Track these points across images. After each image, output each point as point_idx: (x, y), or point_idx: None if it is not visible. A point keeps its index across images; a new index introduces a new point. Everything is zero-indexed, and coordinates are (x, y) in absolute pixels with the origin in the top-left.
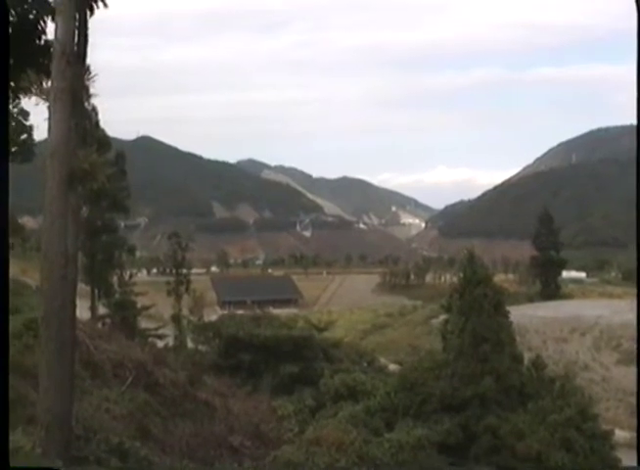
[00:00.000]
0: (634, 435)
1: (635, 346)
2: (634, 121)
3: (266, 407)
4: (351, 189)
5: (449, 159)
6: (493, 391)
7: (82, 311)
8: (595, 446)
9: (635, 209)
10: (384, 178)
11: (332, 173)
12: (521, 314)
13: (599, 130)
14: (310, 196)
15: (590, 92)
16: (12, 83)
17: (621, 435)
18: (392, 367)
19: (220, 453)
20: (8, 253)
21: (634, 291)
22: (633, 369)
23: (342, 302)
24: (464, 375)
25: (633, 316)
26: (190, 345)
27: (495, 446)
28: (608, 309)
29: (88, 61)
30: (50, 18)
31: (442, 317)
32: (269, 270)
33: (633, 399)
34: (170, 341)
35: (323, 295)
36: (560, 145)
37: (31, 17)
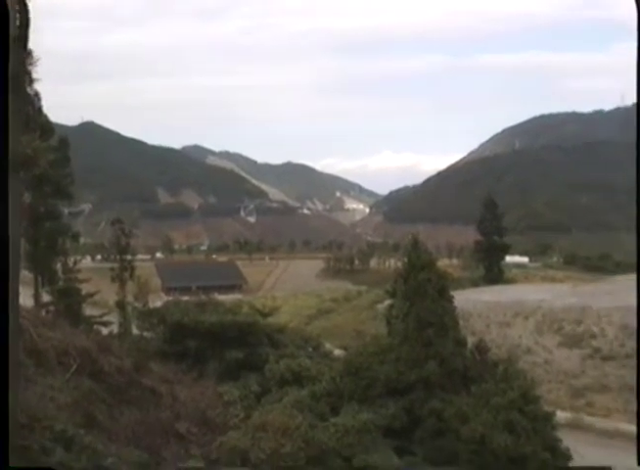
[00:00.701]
0: (575, 415)
1: (577, 328)
2: (577, 108)
3: (212, 393)
4: (295, 175)
5: (394, 144)
6: (437, 375)
7: (25, 299)
8: (537, 428)
9: (635, 206)
10: (328, 163)
11: (276, 159)
12: (465, 299)
13: (542, 117)
14: (255, 182)
15: (534, 79)
16: None
17: (563, 416)
18: (337, 352)
19: (167, 440)
20: (8, 252)
21: (576, 275)
22: (574, 352)
23: (287, 287)
24: (408, 359)
25: (575, 300)
26: (135, 331)
27: (440, 429)
28: (550, 293)
29: (30, 45)
30: None
31: (387, 302)
32: (214, 256)
33: (574, 381)
34: (115, 328)
35: (267, 280)
36: (504, 131)
37: None
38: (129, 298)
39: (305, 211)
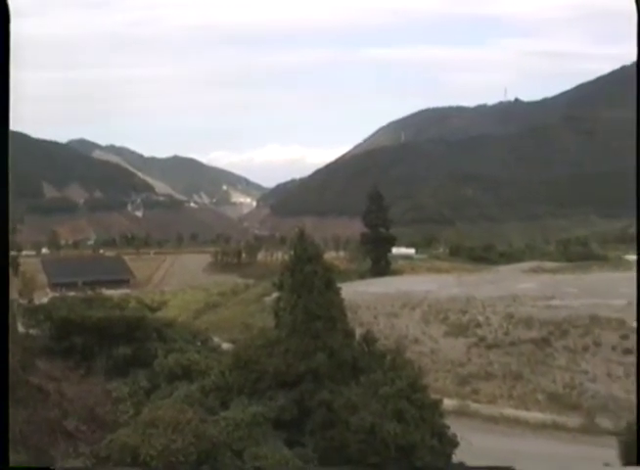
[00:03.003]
0: (461, 403)
1: (462, 317)
2: (462, 102)
3: (101, 390)
4: (182, 168)
5: (281, 137)
6: (326, 366)
7: None
8: (425, 416)
9: (635, 205)
10: (215, 157)
11: (163, 153)
12: (352, 291)
13: (428, 110)
14: (141, 175)
15: (420, 73)
16: None
17: (450, 403)
18: (226, 346)
19: (55, 439)
20: (8, 252)
21: (461, 265)
22: (460, 340)
23: (175, 281)
24: (297, 351)
25: (459, 290)
26: (21, 329)
27: (330, 420)
28: (436, 284)
29: None
30: None
31: (274, 295)
32: (101, 251)
33: (460, 370)
34: None
35: (155, 275)
36: (390, 124)
37: None
38: (14, 294)
39: (192, 205)
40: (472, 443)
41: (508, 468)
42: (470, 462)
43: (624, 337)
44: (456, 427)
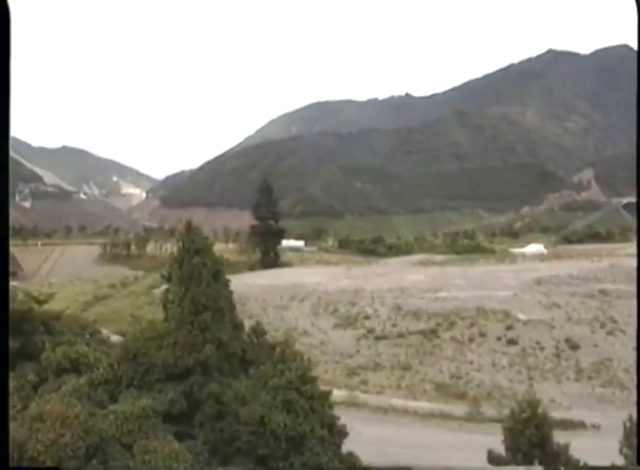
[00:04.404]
0: (350, 393)
1: (351, 309)
2: (352, 97)
3: None
4: (72, 159)
5: (172, 129)
6: (215, 358)
7: None
8: (314, 407)
9: (636, 207)
10: (105, 148)
11: (52, 143)
12: (241, 283)
13: (319, 103)
14: (29, 165)
15: (310, 66)
16: None
17: (339, 394)
18: (115, 338)
19: None
20: (8, 252)
21: (350, 258)
22: (349, 332)
23: (63, 273)
24: (186, 344)
25: (349, 282)
26: None
27: (219, 412)
28: (325, 276)
29: None
30: None
31: (163, 287)
32: None
33: (349, 361)
34: None
35: (43, 266)
36: (281, 117)
37: None
38: None
39: (82, 196)
40: (361, 433)
41: (405, 468)
42: (359, 452)
43: (509, 328)
44: (345, 417)
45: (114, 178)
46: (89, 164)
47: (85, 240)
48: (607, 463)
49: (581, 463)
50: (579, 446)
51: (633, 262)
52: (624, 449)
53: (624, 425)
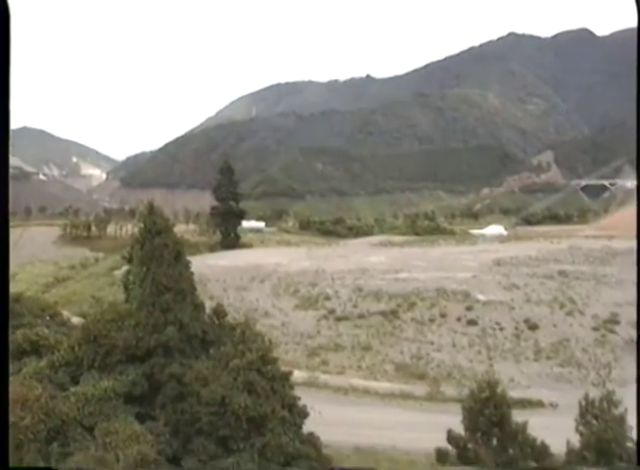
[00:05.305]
0: (311, 374)
1: (312, 290)
2: (313, 78)
3: None
4: (31, 139)
5: (133, 110)
6: (176, 339)
7: None
8: (275, 387)
9: (636, 202)
10: (64, 128)
11: (11, 123)
12: (202, 264)
13: (279, 85)
14: None
15: (272, 46)
16: None
17: (300, 375)
18: (76, 320)
19: None
20: (8, 251)
21: (310, 239)
22: (310, 313)
23: (23, 254)
24: (147, 325)
25: (309, 263)
26: None
27: (181, 393)
28: (286, 257)
29: None
30: None
31: (124, 268)
32: None
33: (310, 342)
34: None
35: None
36: (241, 98)
37: None
38: None
39: (41, 177)
40: (322, 413)
41: (367, 469)
42: (319, 432)
43: (469, 308)
44: (306, 398)
45: (74, 159)
46: (49, 144)
47: (45, 221)
48: (562, 441)
49: (538, 442)
50: (537, 425)
51: (591, 244)
52: (580, 427)
53: (580, 404)
